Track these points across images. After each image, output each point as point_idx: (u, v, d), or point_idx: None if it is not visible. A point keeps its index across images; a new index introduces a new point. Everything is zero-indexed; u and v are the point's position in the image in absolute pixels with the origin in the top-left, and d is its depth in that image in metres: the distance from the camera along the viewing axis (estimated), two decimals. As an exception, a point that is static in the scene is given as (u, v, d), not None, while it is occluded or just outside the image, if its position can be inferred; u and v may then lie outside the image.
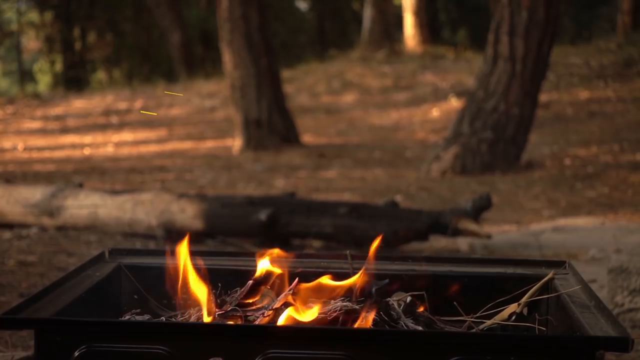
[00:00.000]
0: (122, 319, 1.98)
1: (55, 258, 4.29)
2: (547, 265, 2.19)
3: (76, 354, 1.68)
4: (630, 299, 3.21)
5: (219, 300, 1.96)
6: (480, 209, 4.71)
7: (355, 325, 1.83)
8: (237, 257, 2.25)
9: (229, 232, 4.78)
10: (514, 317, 2.01)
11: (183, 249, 2.02)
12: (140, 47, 22.01)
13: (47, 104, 15.03)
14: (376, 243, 2.09)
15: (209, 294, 1.92)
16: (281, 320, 1.85)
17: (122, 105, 14.29)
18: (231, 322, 1.88)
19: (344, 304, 1.89)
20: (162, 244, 4.68)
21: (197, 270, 1.99)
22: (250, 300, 1.96)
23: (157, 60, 21.55)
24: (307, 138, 10.77)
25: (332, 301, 1.92)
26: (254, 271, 2.02)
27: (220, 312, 1.90)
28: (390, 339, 1.71)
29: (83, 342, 1.69)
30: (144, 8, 20.57)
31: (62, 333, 1.70)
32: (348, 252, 2.23)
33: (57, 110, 14.38)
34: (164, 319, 2.02)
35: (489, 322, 2.02)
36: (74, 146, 11.07)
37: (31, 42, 24.03)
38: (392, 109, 12.67)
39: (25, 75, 23.60)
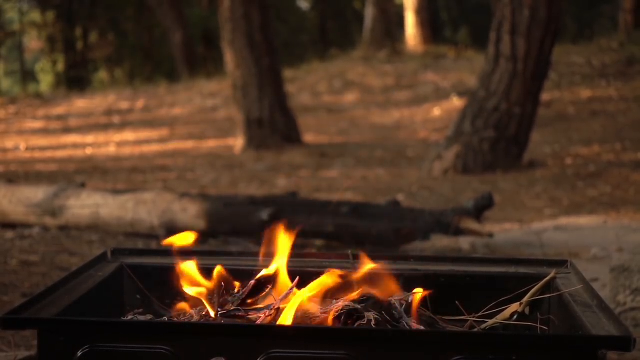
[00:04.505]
0: (125, 318, 1.99)
1: (58, 258, 4.29)
2: (549, 264, 2.19)
3: (79, 353, 1.69)
4: (633, 298, 3.20)
5: (221, 300, 1.97)
6: (482, 208, 4.71)
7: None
8: (239, 256, 2.25)
9: (231, 231, 4.79)
10: (515, 317, 2.02)
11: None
12: (142, 46, 22.02)
13: (49, 103, 15.04)
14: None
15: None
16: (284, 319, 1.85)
17: (124, 105, 14.30)
18: (234, 322, 1.89)
19: (346, 303, 1.89)
20: (164, 243, 4.67)
21: None
22: (253, 300, 1.97)
23: (159, 60, 21.56)
24: (308, 137, 10.77)
25: (334, 300, 1.92)
26: (257, 271, 2.02)
27: (222, 312, 1.91)
28: (393, 338, 1.71)
29: (86, 342, 1.69)
30: (145, 7, 20.58)
31: (64, 333, 1.70)
32: (350, 251, 2.23)
33: (59, 110, 14.39)
34: (167, 319, 2.02)
35: (490, 322, 2.02)
36: (76, 146, 11.08)
37: (33, 42, 24.06)
38: (394, 108, 12.67)
39: (27, 75, 23.62)
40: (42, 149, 10.91)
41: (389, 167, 8.84)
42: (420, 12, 16.65)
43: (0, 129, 12.82)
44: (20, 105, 15.05)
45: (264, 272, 2.00)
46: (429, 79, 13.91)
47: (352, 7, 23.44)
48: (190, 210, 4.77)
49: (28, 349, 2.74)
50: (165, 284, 2.14)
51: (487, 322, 2.03)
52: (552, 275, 2.08)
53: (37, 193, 5.12)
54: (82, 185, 5.31)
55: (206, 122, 12.61)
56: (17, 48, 23.97)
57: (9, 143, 11.37)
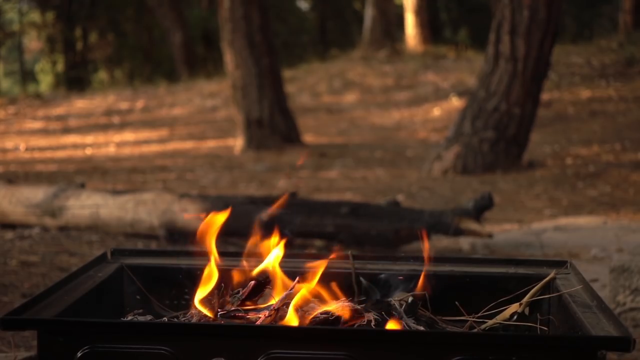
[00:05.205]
0: (125, 319, 1.99)
1: (57, 258, 4.29)
2: (549, 265, 2.19)
3: (79, 354, 1.69)
4: (632, 298, 3.21)
5: (221, 300, 1.97)
6: (481, 208, 4.71)
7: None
8: (238, 257, 2.25)
9: (231, 232, 4.78)
10: (515, 317, 2.02)
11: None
12: (141, 47, 22.02)
13: (49, 104, 15.04)
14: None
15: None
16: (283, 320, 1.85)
17: (124, 105, 14.30)
18: (234, 322, 1.89)
19: (346, 304, 1.89)
20: (164, 244, 4.68)
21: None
22: (252, 301, 1.97)
23: (158, 60, 21.55)
24: (308, 138, 10.77)
25: (334, 302, 1.92)
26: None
27: (222, 312, 1.91)
28: (392, 339, 1.71)
29: (86, 343, 1.69)
30: (145, 8, 20.58)
31: (64, 333, 1.70)
32: (350, 252, 2.23)
33: (59, 110, 14.39)
34: (166, 320, 2.02)
35: (490, 322, 2.02)
36: (75, 146, 11.08)
37: (33, 42, 24.06)
38: (394, 108, 12.67)
39: (27, 76, 23.62)
40: (42, 149, 10.91)
41: (388, 168, 8.84)
42: (419, 12, 16.65)
43: (0, 129, 12.82)
44: (20, 105, 15.05)
45: (261, 270, 2.00)
46: (429, 79, 13.91)
47: (352, 8, 23.44)
48: (190, 211, 4.77)
49: (28, 349, 2.74)
50: (165, 285, 2.14)
51: (487, 322, 2.03)
52: (551, 275, 2.08)
53: (37, 193, 5.12)
54: (82, 186, 5.30)
55: (206, 123, 12.61)
56: (16, 48, 23.98)
57: (9, 143, 11.37)
